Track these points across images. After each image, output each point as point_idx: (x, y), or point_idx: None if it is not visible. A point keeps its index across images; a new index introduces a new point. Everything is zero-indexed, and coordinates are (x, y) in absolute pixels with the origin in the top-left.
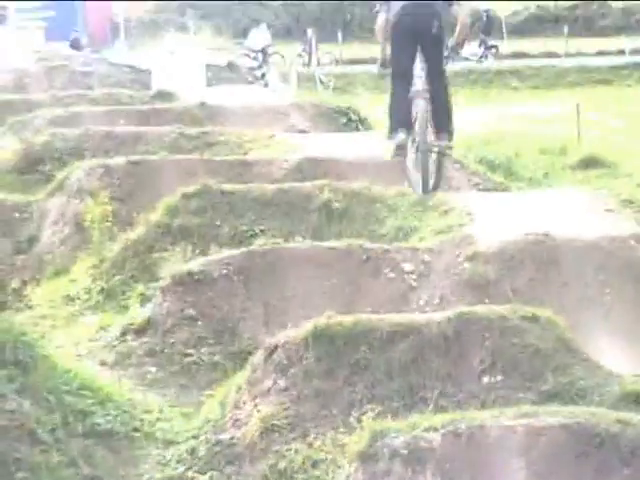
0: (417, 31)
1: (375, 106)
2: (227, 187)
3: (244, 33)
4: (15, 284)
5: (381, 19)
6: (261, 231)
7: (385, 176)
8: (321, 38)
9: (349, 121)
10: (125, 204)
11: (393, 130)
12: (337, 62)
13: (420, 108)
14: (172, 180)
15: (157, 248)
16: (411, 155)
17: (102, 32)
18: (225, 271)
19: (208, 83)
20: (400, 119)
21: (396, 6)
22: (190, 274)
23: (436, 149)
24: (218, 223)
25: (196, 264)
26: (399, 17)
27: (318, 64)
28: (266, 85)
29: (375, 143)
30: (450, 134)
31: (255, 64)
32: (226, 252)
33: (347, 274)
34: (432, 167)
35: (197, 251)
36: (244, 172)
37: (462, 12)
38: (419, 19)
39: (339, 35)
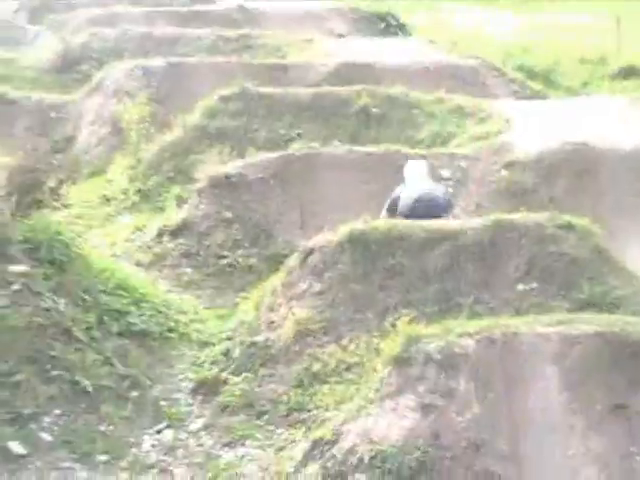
0: (430, 216)
1: (414, 12)
2: (265, 90)
3: None
4: (52, 183)
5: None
6: (298, 135)
7: (423, 82)
8: None
9: (388, 26)
10: (163, 105)
11: None
12: None
13: None
14: (210, 82)
15: (194, 150)
16: None
17: None
18: (262, 174)
19: None
20: None
21: (407, 199)
22: (227, 176)
23: None
24: (255, 126)
25: (233, 167)
26: (413, 206)
27: None
28: None
29: (414, 49)
30: None
31: None
32: (263, 155)
33: (384, 179)
34: None
35: (234, 153)
36: (281, 75)
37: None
38: (433, 207)
39: None
